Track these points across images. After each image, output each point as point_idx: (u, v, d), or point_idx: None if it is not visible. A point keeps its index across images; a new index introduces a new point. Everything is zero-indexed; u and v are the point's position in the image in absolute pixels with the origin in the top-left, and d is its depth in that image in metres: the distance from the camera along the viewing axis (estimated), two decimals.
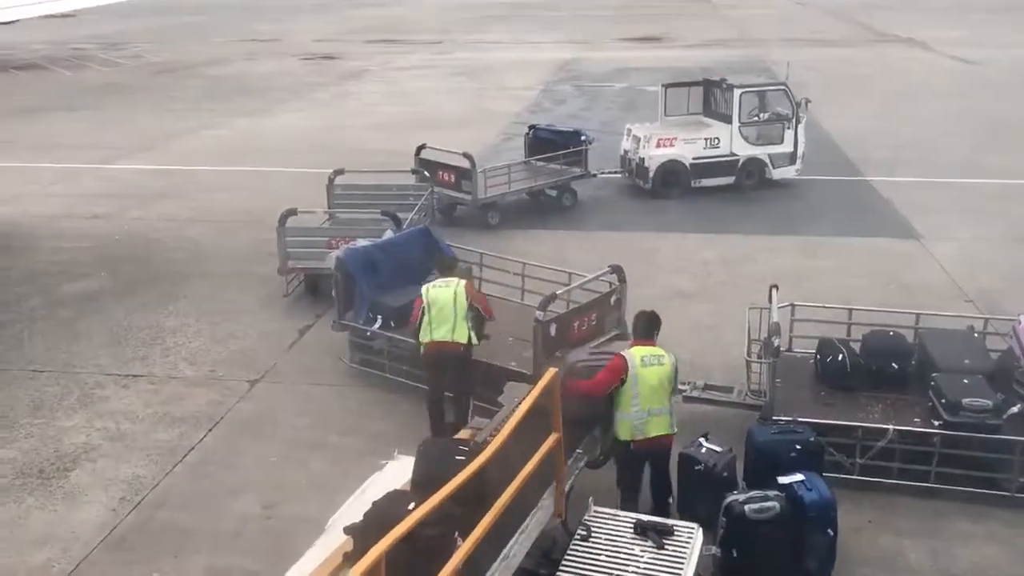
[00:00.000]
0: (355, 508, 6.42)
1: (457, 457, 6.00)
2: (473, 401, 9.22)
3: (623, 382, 7.60)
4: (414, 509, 4.85)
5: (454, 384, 9.32)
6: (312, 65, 39.98)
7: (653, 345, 7.86)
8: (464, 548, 4.95)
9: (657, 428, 7.68)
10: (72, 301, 13.49)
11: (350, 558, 5.57)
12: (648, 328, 7.96)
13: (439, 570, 4.71)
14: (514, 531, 5.91)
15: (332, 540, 6.08)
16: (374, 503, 5.71)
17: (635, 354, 7.71)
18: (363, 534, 5.43)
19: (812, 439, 7.92)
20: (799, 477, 7.39)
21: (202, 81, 35.60)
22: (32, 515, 8.47)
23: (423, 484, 5.80)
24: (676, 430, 7.84)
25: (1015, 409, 8.49)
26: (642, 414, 7.61)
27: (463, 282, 9.36)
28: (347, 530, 5.76)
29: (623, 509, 7.34)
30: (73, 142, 24.61)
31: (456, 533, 5.25)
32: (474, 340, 9.21)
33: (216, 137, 25.06)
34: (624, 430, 7.67)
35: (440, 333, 9.08)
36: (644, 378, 7.60)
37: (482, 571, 5.53)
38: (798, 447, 7.80)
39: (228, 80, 35.72)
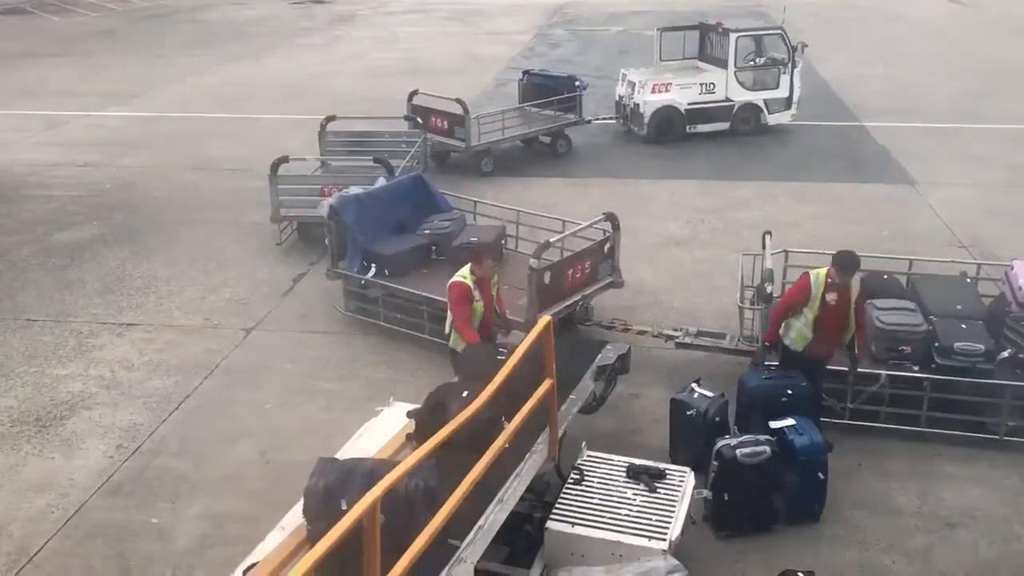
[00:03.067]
0: (351, 453, 6.50)
1: (499, 356, 6.68)
2: None
3: None
4: (468, 397, 5.58)
5: None
6: (302, 9, 39.41)
7: None
8: (510, 427, 5.70)
9: None
10: (64, 250, 13.43)
11: (412, 438, 6.22)
12: (835, 262, 7.98)
13: (487, 447, 5.38)
14: (509, 475, 5.99)
15: None
16: (431, 393, 6.38)
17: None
18: (425, 417, 6.16)
19: (804, 384, 7.98)
20: (790, 422, 7.49)
21: (190, 26, 35.08)
22: (30, 462, 8.53)
23: (470, 378, 6.50)
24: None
25: (1006, 354, 8.58)
26: None
27: None
28: (411, 414, 6.42)
29: None
30: (62, 89, 24.30)
31: (503, 417, 5.89)
32: (452, 341, 8.18)
33: (205, 83, 24.76)
34: None
35: None
36: None
37: (507, 473, 5.95)
38: (789, 392, 7.86)
39: (216, 25, 35.22)
